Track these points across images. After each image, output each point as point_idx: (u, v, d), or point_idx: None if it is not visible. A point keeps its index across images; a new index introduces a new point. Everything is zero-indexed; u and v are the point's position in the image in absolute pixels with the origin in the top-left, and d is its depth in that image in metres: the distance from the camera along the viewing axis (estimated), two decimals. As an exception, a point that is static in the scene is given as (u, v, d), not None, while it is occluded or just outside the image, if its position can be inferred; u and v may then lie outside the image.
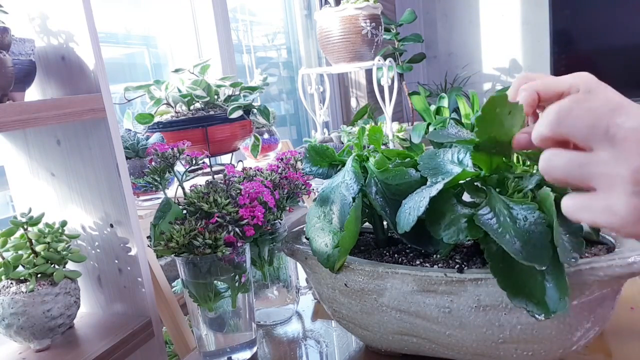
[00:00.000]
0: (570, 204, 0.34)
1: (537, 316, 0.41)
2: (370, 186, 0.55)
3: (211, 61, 1.15)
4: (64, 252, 0.68)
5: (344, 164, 0.60)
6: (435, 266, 0.51)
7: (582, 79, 0.41)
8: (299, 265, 0.63)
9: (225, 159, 1.44)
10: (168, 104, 1.08)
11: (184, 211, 0.60)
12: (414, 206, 0.47)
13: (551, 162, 0.34)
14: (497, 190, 0.47)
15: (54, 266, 0.68)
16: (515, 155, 0.49)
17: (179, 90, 1.07)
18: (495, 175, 0.47)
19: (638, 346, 0.55)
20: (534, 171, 0.48)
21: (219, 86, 1.11)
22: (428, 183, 0.50)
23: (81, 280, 0.76)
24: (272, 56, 2.13)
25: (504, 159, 0.47)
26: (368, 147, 0.62)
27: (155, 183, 0.62)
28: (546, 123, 0.34)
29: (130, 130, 1.06)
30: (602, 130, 0.31)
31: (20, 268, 0.67)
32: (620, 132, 0.31)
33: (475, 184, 0.48)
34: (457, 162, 0.51)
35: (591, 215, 0.33)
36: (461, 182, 0.49)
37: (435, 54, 3.16)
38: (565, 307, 0.41)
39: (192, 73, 1.11)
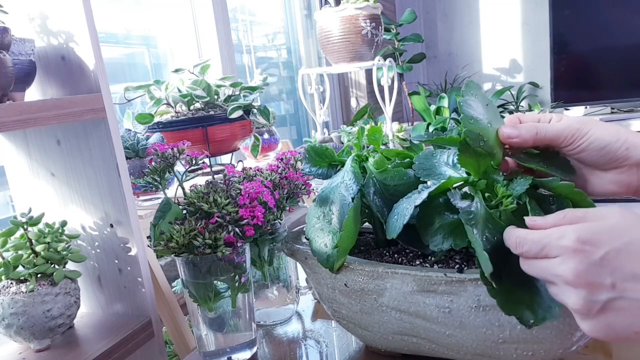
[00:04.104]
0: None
1: (527, 323, 0.41)
2: (369, 187, 0.55)
3: (211, 61, 1.15)
4: (64, 252, 0.68)
5: (343, 164, 0.60)
6: (435, 266, 0.51)
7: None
8: (299, 265, 0.63)
9: (225, 159, 1.44)
10: (168, 104, 1.08)
11: (184, 211, 0.60)
12: (401, 213, 0.47)
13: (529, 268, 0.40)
14: (487, 194, 0.46)
15: (54, 266, 0.68)
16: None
17: (179, 90, 1.07)
18: (484, 180, 0.47)
19: (638, 346, 0.55)
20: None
21: (219, 86, 1.11)
22: (420, 187, 0.49)
23: (81, 280, 0.76)
24: (272, 56, 2.13)
25: (492, 162, 0.46)
26: (367, 147, 0.62)
27: (155, 183, 0.62)
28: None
29: (130, 130, 1.06)
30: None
31: (20, 268, 0.67)
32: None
33: (464, 190, 0.48)
34: (451, 164, 0.51)
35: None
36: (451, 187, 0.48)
37: (435, 54, 3.16)
38: (555, 315, 0.40)
39: (192, 73, 1.11)
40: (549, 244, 0.37)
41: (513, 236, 0.40)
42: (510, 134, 0.46)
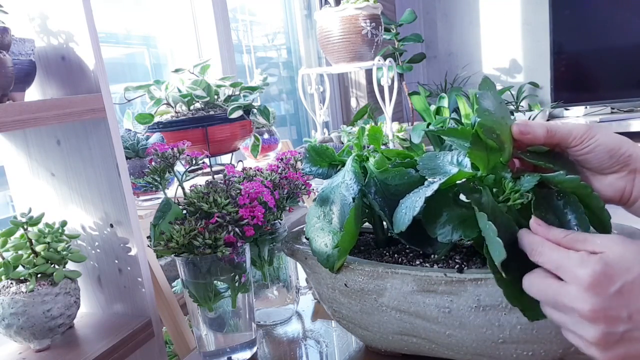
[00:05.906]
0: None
1: (530, 316, 0.41)
2: (370, 186, 0.55)
3: (211, 61, 1.15)
4: (64, 252, 0.68)
5: (343, 164, 0.60)
6: (435, 266, 0.51)
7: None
8: (299, 265, 0.63)
9: (225, 159, 1.44)
10: (168, 104, 1.08)
11: (184, 211, 0.60)
12: (410, 206, 0.47)
13: (531, 286, 0.41)
14: (494, 190, 0.46)
15: (54, 266, 0.68)
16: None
17: (179, 90, 1.07)
18: (492, 175, 0.47)
19: None
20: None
21: (219, 86, 1.11)
22: (426, 183, 0.50)
23: (81, 280, 0.76)
24: (272, 56, 2.13)
25: (501, 159, 0.47)
26: (368, 147, 0.62)
27: (155, 183, 0.62)
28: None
29: (130, 130, 1.06)
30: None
31: (20, 268, 0.67)
32: None
33: (472, 184, 0.48)
34: (456, 163, 0.51)
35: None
36: (458, 182, 0.49)
37: (435, 54, 3.16)
38: None
39: (192, 73, 1.11)
40: (566, 267, 0.38)
41: (529, 242, 0.42)
42: (523, 130, 0.47)
